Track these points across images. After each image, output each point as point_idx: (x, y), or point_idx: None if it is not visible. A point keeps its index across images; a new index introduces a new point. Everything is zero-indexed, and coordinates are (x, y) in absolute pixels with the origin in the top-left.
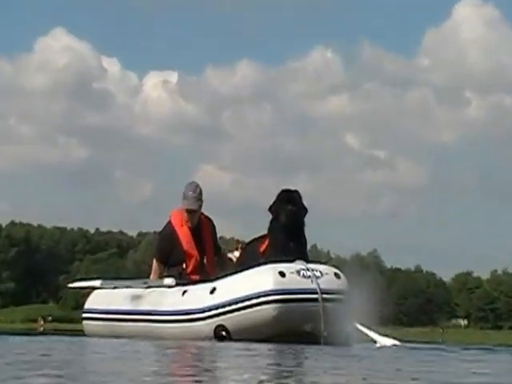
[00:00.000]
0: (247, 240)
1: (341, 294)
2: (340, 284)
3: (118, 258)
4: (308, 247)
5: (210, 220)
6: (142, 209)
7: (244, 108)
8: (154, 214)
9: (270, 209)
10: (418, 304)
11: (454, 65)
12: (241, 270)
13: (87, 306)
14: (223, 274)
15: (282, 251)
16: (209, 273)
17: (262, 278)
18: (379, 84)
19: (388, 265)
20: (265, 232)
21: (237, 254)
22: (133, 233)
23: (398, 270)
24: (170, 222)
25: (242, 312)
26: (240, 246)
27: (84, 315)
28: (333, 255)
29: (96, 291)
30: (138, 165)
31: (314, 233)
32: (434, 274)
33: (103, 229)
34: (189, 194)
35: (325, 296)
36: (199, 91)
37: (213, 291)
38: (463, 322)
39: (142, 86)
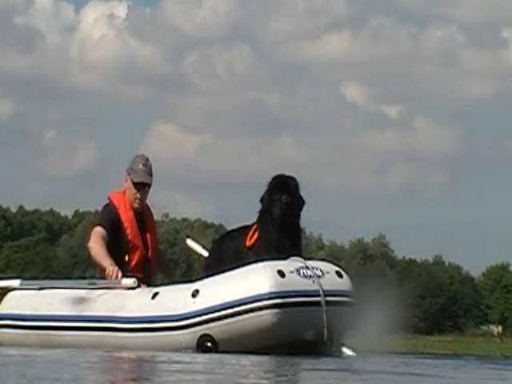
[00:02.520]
0: (220, 224)
1: (345, 297)
2: (343, 284)
3: (47, 244)
4: None
5: (151, 212)
6: (79, 182)
7: (214, 52)
8: (95, 188)
9: (262, 200)
10: (439, 306)
11: None
12: (229, 269)
13: (2, 310)
14: (205, 275)
15: (276, 247)
16: (152, 271)
17: (258, 279)
18: (391, 20)
19: (399, 255)
20: (246, 220)
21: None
22: (68, 212)
23: (413, 261)
24: (111, 204)
25: (233, 319)
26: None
27: None
28: (326, 242)
29: (13, 293)
30: (75, 124)
31: (302, 212)
32: (459, 268)
33: (28, 207)
34: (138, 167)
35: (328, 299)
36: (155, 29)
37: (195, 294)
38: (496, 329)
39: (80, 21)
